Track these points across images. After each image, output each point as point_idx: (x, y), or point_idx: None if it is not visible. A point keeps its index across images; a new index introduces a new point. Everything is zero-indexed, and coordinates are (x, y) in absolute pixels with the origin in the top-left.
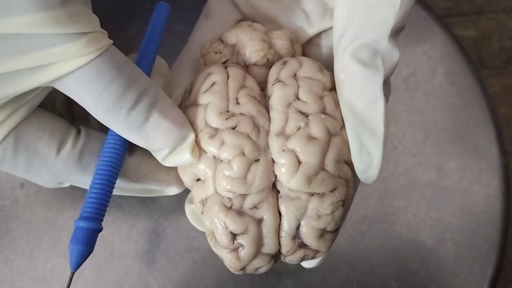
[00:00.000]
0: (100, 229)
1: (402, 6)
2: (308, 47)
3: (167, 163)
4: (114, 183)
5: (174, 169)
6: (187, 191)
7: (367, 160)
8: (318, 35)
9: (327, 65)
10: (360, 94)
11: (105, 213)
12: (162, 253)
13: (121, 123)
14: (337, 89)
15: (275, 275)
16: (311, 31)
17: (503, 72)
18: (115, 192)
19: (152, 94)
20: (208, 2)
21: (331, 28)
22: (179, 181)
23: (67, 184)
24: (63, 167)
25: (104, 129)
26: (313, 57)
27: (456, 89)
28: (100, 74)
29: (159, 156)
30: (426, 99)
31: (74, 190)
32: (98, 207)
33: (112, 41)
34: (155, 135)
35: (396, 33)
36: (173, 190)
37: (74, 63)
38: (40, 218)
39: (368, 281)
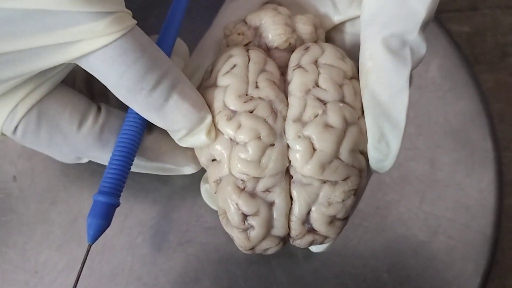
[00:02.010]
0: (118, 204)
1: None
2: (332, 33)
3: (184, 143)
4: (133, 159)
5: (191, 149)
6: (196, 177)
7: (385, 150)
8: (343, 22)
9: (351, 52)
10: (386, 84)
11: (123, 188)
12: (154, 246)
13: (141, 103)
14: (361, 77)
15: (268, 268)
16: (336, 18)
17: (497, 68)
18: (133, 169)
19: (173, 76)
20: None
21: (357, 16)
22: (195, 161)
23: (85, 160)
24: (83, 142)
25: (123, 107)
26: (336, 43)
27: (449, 84)
28: (124, 54)
29: (176, 136)
30: (419, 93)
31: (68, 183)
32: (117, 182)
33: (136, 22)
34: (173, 116)
35: (425, 26)
36: (188, 170)
37: (99, 42)
38: (32, 211)
39: (361, 274)
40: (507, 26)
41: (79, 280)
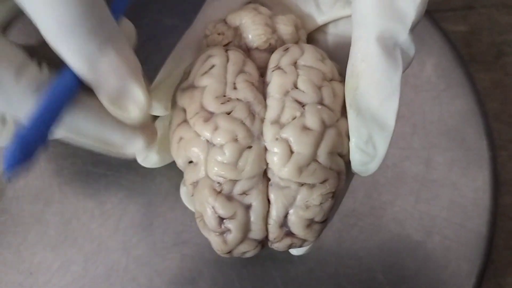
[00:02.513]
0: (45, 139)
1: (422, 1)
2: (315, 35)
3: (118, 107)
4: (63, 101)
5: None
6: (176, 183)
7: (372, 153)
8: (326, 23)
9: (334, 53)
10: (379, 87)
11: (50, 131)
12: (149, 247)
13: (73, 50)
14: (352, 78)
15: (263, 268)
16: (320, 19)
17: (493, 67)
18: (73, 135)
19: (110, 28)
20: None
21: (340, 17)
22: (142, 132)
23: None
24: (20, 95)
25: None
26: (320, 45)
27: (444, 83)
28: None
29: (108, 97)
30: (415, 92)
31: (62, 184)
32: (42, 118)
33: None
34: (106, 71)
35: (414, 28)
36: (137, 145)
37: None
38: (27, 212)
39: (355, 274)
40: (503, 25)
41: (74, 281)
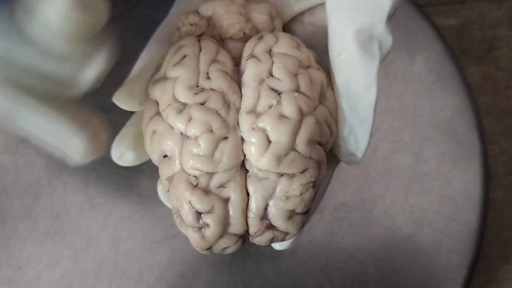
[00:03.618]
0: None
1: None
2: (291, 24)
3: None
4: None
5: (80, 115)
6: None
7: (354, 145)
8: (303, 12)
9: (310, 42)
10: (355, 81)
11: None
12: (139, 241)
13: None
14: (332, 72)
15: (253, 262)
16: (297, 7)
17: (484, 61)
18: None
19: None
20: None
21: (315, 5)
22: (85, 132)
23: None
24: None
25: None
26: (297, 34)
27: (435, 77)
28: None
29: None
30: (405, 86)
31: (51, 178)
32: None
33: None
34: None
35: (389, 19)
36: (75, 144)
37: None
38: (16, 206)
39: (346, 268)
40: (494, 20)
41: (63, 276)
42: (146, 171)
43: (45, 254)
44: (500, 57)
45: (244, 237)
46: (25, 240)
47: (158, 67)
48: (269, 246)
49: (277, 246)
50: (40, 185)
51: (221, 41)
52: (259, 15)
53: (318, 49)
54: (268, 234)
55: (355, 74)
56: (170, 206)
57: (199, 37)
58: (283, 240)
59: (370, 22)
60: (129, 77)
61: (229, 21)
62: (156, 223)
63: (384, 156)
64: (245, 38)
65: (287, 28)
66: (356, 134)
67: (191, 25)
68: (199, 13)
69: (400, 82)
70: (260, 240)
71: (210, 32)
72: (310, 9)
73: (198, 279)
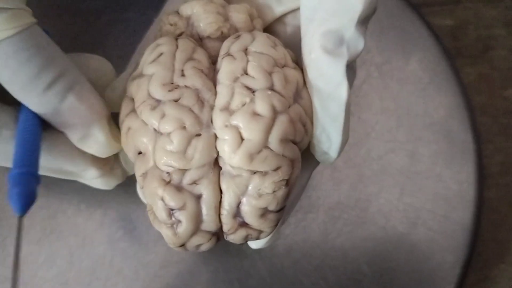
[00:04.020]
0: (39, 177)
1: None
2: (274, 25)
3: (81, 146)
4: (40, 138)
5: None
6: None
7: (327, 143)
8: (285, 14)
9: (292, 43)
10: (324, 79)
11: (39, 164)
12: (135, 240)
13: (35, 101)
14: (304, 71)
15: (249, 261)
16: (278, 9)
17: (479, 61)
18: None
19: (71, 77)
20: None
21: (298, 8)
22: (96, 165)
23: None
24: None
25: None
26: (279, 35)
27: (429, 76)
28: (18, 51)
29: (72, 138)
30: (400, 86)
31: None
32: (30, 156)
33: (36, 20)
34: (69, 117)
35: (365, 21)
36: (90, 174)
37: None
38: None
39: (341, 266)
40: (489, 20)
41: (59, 274)
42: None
43: (42, 253)
44: (495, 57)
45: (218, 234)
46: (21, 239)
47: (136, 65)
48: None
49: (253, 245)
50: None
51: (199, 40)
52: (238, 15)
53: (299, 49)
54: (242, 232)
55: (323, 73)
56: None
57: (178, 36)
58: (257, 238)
59: (341, 24)
60: (117, 79)
61: (207, 20)
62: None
63: (379, 156)
64: (223, 38)
65: (269, 28)
66: (328, 132)
67: (171, 25)
68: (179, 13)
69: (395, 82)
70: (234, 238)
71: (189, 32)
72: (293, 11)
73: (194, 278)
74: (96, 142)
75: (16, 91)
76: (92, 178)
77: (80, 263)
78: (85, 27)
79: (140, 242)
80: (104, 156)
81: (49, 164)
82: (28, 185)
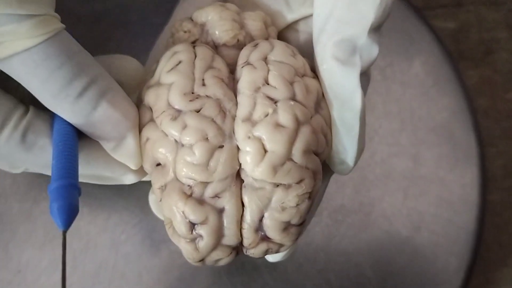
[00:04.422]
0: (79, 188)
1: (382, 1)
2: (286, 32)
3: (115, 155)
4: (77, 146)
5: None
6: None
7: (343, 154)
8: (297, 20)
9: (305, 50)
10: (338, 89)
11: (78, 174)
12: (138, 244)
13: (67, 110)
14: (319, 80)
15: (252, 264)
16: (290, 16)
17: (481, 64)
18: None
19: (103, 84)
20: None
21: (311, 15)
22: (133, 169)
23: (19, 170)
24: (5, 146)
25: None
26: (291, 42)
27: (432, 80)
28: (47, 58)
29: (106, 147)
30: (403, 89)
31: (49, 182)
32: (69, 166)
33: (64, 26)
34: (102, 125)
35: (377, 29)
36: (129, 179)
37: (20, 45)
38: (15, 210)
39: (344, 270)
40: (492, 22)
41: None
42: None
43: (44, 257)
44: (497, 60)
45: (238, 249)
46: (24, 244)
47: (152, 72)
48: None
49: (270, 258)
50: (39, 189)
51: (214, 48)
52: (253, 22)
53: (312, 56)
54: (263, 246)
55: (337, 82)
56: (161, 217)
57: (193, 43)
58: (277, 252)
59: (354, 33)
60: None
61: (223, 27)
62: (155, 226)
63: (382, 159)
64: (239, 45)
65: (281, 35)
66: (344, 143)
67: (185, 31)
68: (192, 20)
69: (398, 85)
70: (254, 252)
71: (203, 39)
72: (305, 18)
73: (197, 282)
74: (128, 151)
75: (46, 100)
76: (131, 182)
77: (83, 267)
78: (87, 31)
79: (143, 246)
80: (135, 167)
81: (87, 171)
82: (70, 198)
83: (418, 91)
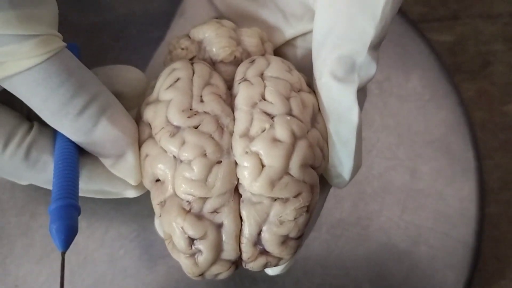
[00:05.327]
0: (79, 208)
1: (382, 18)
2: (283, 48)
3: (114, 171)
4: (77, 165)
5: None
6: None
7: (339, 168)
8: (295, 36)
9: (302, 66)
10: (335, 104)
11: (78, 192)
12: (136, 259)
13: (68, 127)
14: (317, 94)
15: (250, 279)
16: (288, 33)
17: (478, 76)
18: None
19: (103, 101)
20: (183, 0)
21: (308, 31)
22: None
23: (26, 182)
24: (9, 163)
25: None
26: (289, 58)
27: (430, 93)
28: (48, 77)
29: (106, 163)
30: (400, 103)
31: (48, 195)
32: (67, 185)
33: (65, 44)
34: (102, 142)
35: (376, 47)
36: (131, 193)
37: (22, 64)
38: (13, 224)
39: (342, 285)
40: (488, 35)
41: None
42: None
43: (42, 272)
44: (494, 73)
45: (237, 262)
46: (22, 258)
47: (151, 89)
48: None
49: (270, 271)
50: (37, 203)
51: (212, 64)
52: (250, 39)
53: (310, 72)
54: (262, 260)
55: (334, 98)
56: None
57: (191, 61)
58: (276, 265)
59: (353, 49)
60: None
61: (220, 44)
62: (153, 241)
63: (380, 173)
64: (236, 62)
65: (279, 51)
66: (340, 156)
67: (182, 49)
68: (189, 37)
69: (395, 99)
70: (253, 265)
71: (201, 56)
72: (303, 34)
73: None
74: (128, 167)
75: (47, 118)
76: (133, 196)
77: (81, 282)
78: (85, 43)
79: (141, 261)
80: (135, 183)
81: (89, 186)
82: (69, 219)
83: (415, 105)
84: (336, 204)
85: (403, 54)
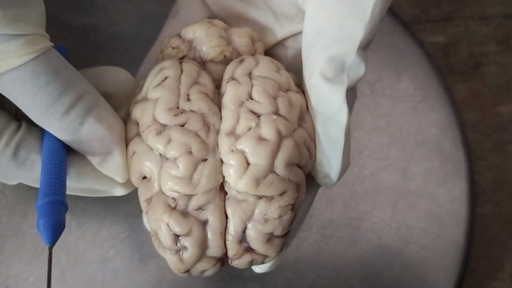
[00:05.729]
0: (66, 204)
1: (371, 20)
2: (275, 48)
3: (101, 169)
4: (65, 161)
5: None
6: None
7: (327, 167)
8: (286, 37)
9: (292, 66)
10: (324, 104)
11: (66, 190)
12: (127, 259)
13: (55, 126)
14: (306, 94)
15: (240, 280)
16: (279, 33)
17: (470, 77)
18: None
19: (89, 100)
20: (176, 1)
21: (299, 32)
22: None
23: (15, 182)
24: None
25: None
26: (280, 58)
27: (421, 94)
28: (35, 76)
29: (93, 161)
30: (392, 103)
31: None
32: (56, 183)
33: (52, 44)
34: (89, 141)
35: (365, 47)
36: (119, 191)
37: (9, 63)
38: (3, 224)
39: (333, 285)
40: (481, 37)
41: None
42: (135, 189)
43: (33, 272)
44: (487, 74)
45: (223, 259)
46: (12, 258)
47: (140, 88)
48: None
49: (257, 269)
50: (28, 203)
51: (202, 64)
52: (240, 39)
53: (300, 72)
54: (247, 257)
55: (323, 98)
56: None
57: (181, 60)
58: (262, 263)
59: (343, 50)
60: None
61: (210, 44)
62: (144, 241)
63: (371, 174)
64: (226, 61)
65: (270, 51)
66: (328, 156)
67: (173, 48)
68: (181, 37)
69: (387, 100)
70: (238, 263)
71: (191, 55)
72: (294, 35)
73: None
74: (115, 165)
75: (35, 117)
76: (121, 194)
77: (71, 283)
78: (78, 44)
79: (132, 261)
80: (122, 181)
81: (77, 185)
82: (56, 215)
83: (407, 106)
84: (327, 204)
85: (395, 55)
